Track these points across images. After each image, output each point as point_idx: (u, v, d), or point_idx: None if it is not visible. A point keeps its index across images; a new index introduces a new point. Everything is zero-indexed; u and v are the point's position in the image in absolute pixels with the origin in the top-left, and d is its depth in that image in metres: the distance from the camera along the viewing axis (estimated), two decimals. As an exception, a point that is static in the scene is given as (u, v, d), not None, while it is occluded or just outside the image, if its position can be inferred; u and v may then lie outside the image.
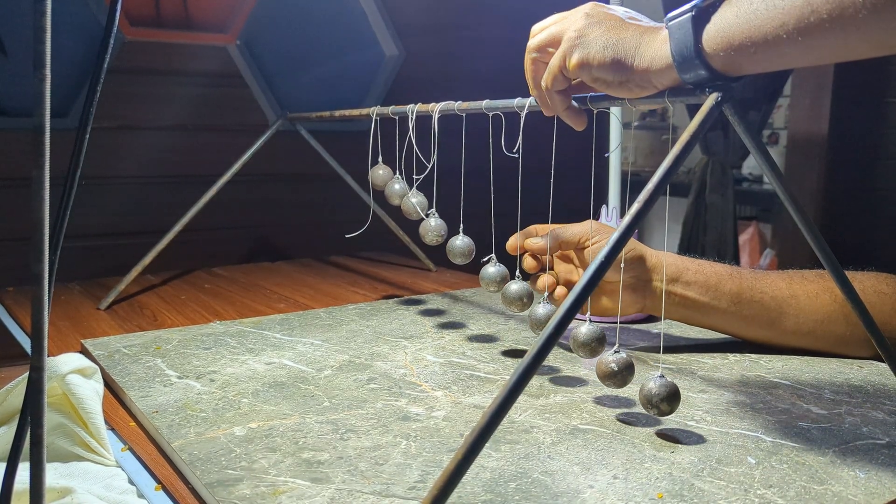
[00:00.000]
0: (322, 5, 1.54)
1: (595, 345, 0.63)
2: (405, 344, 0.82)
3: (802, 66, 0.50)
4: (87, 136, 0.41)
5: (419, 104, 0.80)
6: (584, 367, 0.75)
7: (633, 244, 0.77)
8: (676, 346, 0.82)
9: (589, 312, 0.66)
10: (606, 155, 1.02)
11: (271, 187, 1.54)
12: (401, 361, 0.76)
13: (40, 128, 0.33)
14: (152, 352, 0.79)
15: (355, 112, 0.93)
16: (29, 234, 0.34)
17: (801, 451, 0.56)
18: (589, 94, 0.62)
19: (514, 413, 0.62)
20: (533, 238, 0.76)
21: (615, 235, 0.45)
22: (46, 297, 0.34)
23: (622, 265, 0.74)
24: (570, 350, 0.67)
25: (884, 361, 0.59)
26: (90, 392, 0.60)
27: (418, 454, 0.55)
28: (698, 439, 0.58)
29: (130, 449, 0.61)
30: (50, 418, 0.59)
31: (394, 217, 1.21)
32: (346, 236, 0.90)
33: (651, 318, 0.94)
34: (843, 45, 0.44)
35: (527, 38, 0.64)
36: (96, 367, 0.63)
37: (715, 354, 0.79)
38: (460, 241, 0.77)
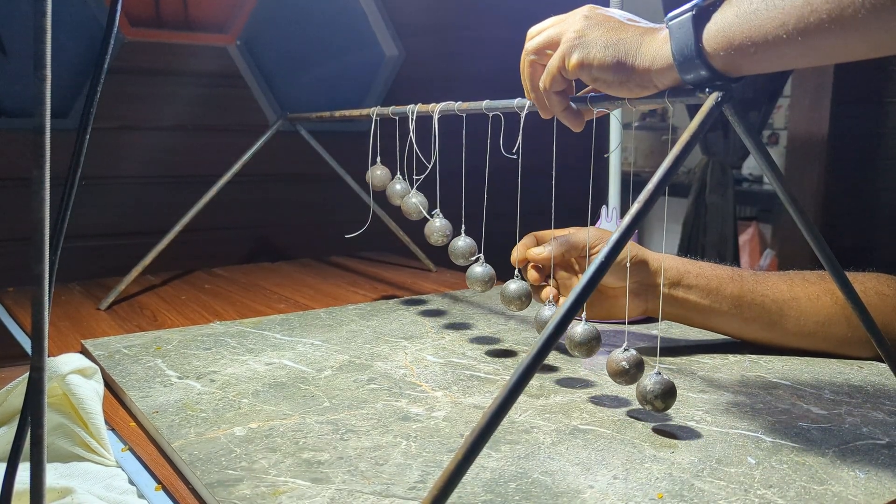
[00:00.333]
0: (322, 5, 1.54)
1: (593, 344, 0.63)
2: (405, 344, 0.82)
3: (803, 67, 0.50)
4: (87, 136, 0.41)
5: (419, 104, 0.80)
6: (584, 368, 0.75)
7: (636, 249, 0.77)
8: (676, 347, 0.82)
9: (584, 313, 0.66)
10: (606, 155, 1.02)
11: (271, 187, 1.54)
12: (401, 362, 0.76)
13: (40, 128, 0.33)
14: (152, 352, 0.79)
15: (355, 112, 0.93)
16: (29, 234, 0.34)
17: (801, 451, 0.56)
18: (589, 95, 0.62)
19: (514, 413, 0.62)
20: (536, 249, 0.76)
21: (615, 235, 0.45)
22: (46, 298, 0.34)
23: (628, 268, 0.74)
24: (566, 352, 0.67)
25: (884, 362, 0.59)
26: (90, 392, 0.60)
27: (418, 454, 0.55)
28: (698, 439, 0.58)
29: (131, 449, 0.61)
30: (50, 418, 0.59)
31: (394, 217, 1.21)
32: (346, 237, 0.90)
33: (651, 319, 0.94)
34: (843, 45, 0.44)
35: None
36: (96, 367, 0.63)
37: (715, 354, 0.79)
38: (462, 242, 0.77)
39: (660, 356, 0.78)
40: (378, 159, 0.85)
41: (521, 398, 0.64)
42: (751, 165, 2.98)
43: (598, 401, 0.66)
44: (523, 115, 0.67)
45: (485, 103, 0.70)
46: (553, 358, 0.78)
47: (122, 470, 0.58)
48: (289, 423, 0.60)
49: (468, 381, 0.71)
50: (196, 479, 0.52)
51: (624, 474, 0.52)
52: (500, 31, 1.76)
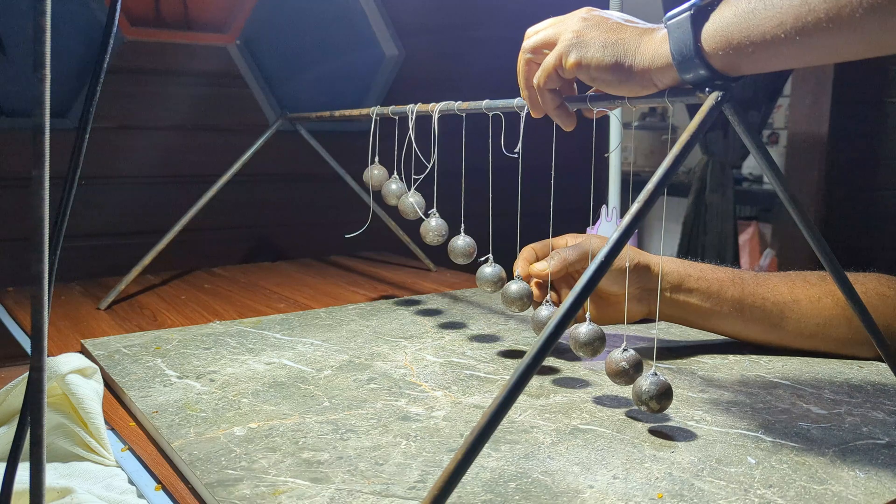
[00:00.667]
0: (322, 5, 1.54)
1: (597, 344, 0.63)
2: (405, 344, 0.82)
3: (801, 67, 0.50)
4: (87, 135, 0.41)
5: (419, 104, 0.80)
6: (584, 367, 0.75)
7: (637, 255, 0.77)
8: (676, 347, 0.82)
9: (588, 313, 0.66)
10: (606, 155, 1.02)
11: (271, 187, 1.54)
12: (401, 361, 0.76)
13: (40, 128, 0.33)
14: (152, 352, 0.79)
15: (355, 112, 0.93)
16: (29, 234, 0.34)
17: (801, 451, 0.56)
18: (588, 94, 0.62)
19: (514, 413, 0.62)
20: (539, 265, 0.76)
21: (614, 235, 0.45)
22: (46, 297, 0.34)
23: (627, 270, 0.74)
24: (568, 351, 0.67)
25: (885, 362, 0.59)
26: (90, 392, 0.60)
27: (418, 454, 0.55)
28: (698, 439, 0.58)
29: (130, 449, 0.61)
30: (50, 418, 0.59)
31: (394, 217, 1.21)
32: (346, 236, 0.90)
33: (650, 319, 0.94)
34: (841, 44, 0.44)
35: (527, 39, 0.64)
36: (96, 367, 0.63)
37: (715, 354, 0.79)
38: (461, 241, 0.77)
39: (659, 357, 0.78)
40: (376, 159, 0.85)
41: (521, 398, 0.64)
42: (751, 165, 2.98)
43: (598, 401, 0.66)
44: (523, 114, 0.67)
45: (485, 103, 0.70)
46: (553, 358, 0.78)
47: (122, 470, 0.58)
48: (289, 423, 0.60)
49: (468, 380, 0.71)
50: (196, 478, 0.52)
51: (624, 474, 0.52)
52: (500, 31, 1.76)
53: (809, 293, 0.76)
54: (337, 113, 0.99)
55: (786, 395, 0.67)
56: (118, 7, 0.41)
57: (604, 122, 0.85)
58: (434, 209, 0.80)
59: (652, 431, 0.59)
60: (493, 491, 0.49)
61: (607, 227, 0.94)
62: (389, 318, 0.93)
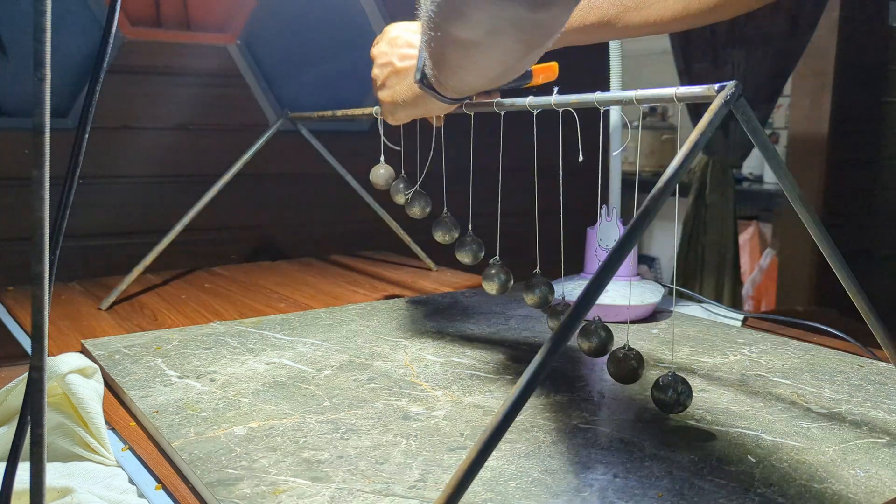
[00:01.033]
0: (322, 5, 1.54)
1: (606, 340, 0.63)
2: (405, 344, 0.82)
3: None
4: (87, 135, 0.41)
5: None
6: (584, 367, 0.75)
7: None
8: (676, 346, 0.82)
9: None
10: (615, 154, 1.02)
11: (271, 187, 1.54)
12: (401, 361, 0.76)
13: (40, 128, 0.33)
14: (152, 352, 0.79)
15: (357, 111, 0.93)
16: (29, 234, 0.34)
17: (801, 450, 0.56)
18: (596, 93, 0.62)
19: (515, 412, 0.62)
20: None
21: (624, 233, 0.45)
22: (46, 297, 0.34)
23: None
24: (568, 351, 0.67)
25: (880, 359, 0.59)
26: (90, 392, 0.60)
27: (418, 453, 0.55)
28: (698, 438, 0.58)
29: (131, 449, 0.61)
30: (50, 418, 0.59)
31: (395, 217, 1.21)
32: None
33: (652, 318, 0.94)
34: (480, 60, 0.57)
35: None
36: (96, 366, 0.63)
37: (715, 354, 0.79)
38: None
39: (659, 357, 0.78)
40: (381, 158, 0.85)
41: (522, 397, 0.64)
42: (751, 165, 2.97)
43: (598, 400, 0.66)
44: (535, 113, 0.66)
45: (495, 101, 0.69)
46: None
47: (122, 469, 0.58)
48: (289, 423, 0.60)
49: (468, 380, 0.71)
50: (196, 478, 0.52)
51: (624, 473, 0.52)
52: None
53: None
54: (339, 113, 0.99)
55: (786, 394, 0.67)
56: (118, 7, 0.41)
57: (604, 121, 0.85)
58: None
59: (652, 431, 0.59)
60: (494, 490, 0.49)
61: (607, 226, 0.94)
62: (389, 318, 0.93)
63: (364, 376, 0.71)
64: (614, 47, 0.96)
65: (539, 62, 0.81)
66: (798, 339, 0.86)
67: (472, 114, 0.74)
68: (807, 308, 2.26)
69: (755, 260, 2.95)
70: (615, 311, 0.90)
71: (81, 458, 0.58)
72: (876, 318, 0.60)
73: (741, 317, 0.95)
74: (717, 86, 0.50)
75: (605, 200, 0.96)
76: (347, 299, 1.07)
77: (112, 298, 1.02)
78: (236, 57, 1.45)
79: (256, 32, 1.47)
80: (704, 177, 2.30)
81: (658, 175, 0.48)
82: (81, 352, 0.80)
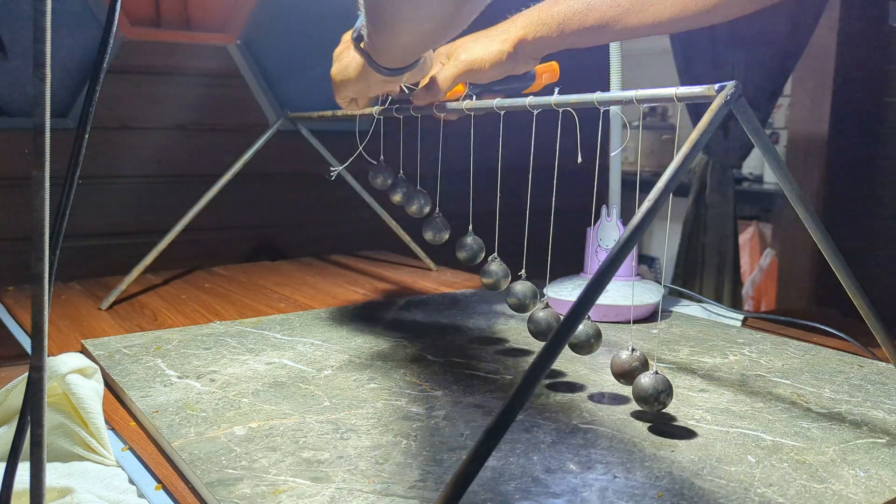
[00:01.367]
0: (322, 5, 1.54)
1: (593, 342, 0.63)
2: (405, 343, 0.82)
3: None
4: (87, 135, 0.41)
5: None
6: (584, 367, 0.75)
7: (505, 35, 0.78)
8: (676, 347, 0.82)
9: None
10: (615, 154, 1.02)
11: (271, 187, 1.54)
12: (401, 361, 0.76)
13: (40, 128, 0.33)
14: (152, 352, 0.79)
15: (357, 111, 0.93)
16: (29, 233, 0.34)
17: (801, 449, 0.56)
18: (596, 93, 0.62)
19: (515, 412, 0.62)
20: (418, 94, 0.78)
21: (625, 233, 0.45)
22: (46, 297, 0.34)
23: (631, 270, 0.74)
24: (568, 350, 0.67)
25: (880, 359, 0.59)
26: (90, 392, 0.60)
27: (418, 453, 0.55)
28: (698, 438, 0.58)
29: (131, 449, 0.61)
30: (50, 418, 0.59)
31: (395, 217, 1.21)
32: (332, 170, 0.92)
33: (651, 318, 0.94)
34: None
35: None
36: (96, 366, 0.63)
37: (715, 354, 0.79)
38: (471, 239, 0.77)
39: (659, 357, 0.78)
40: (381, 158, 0.85)
41: (522, 397, 0.64)
42: (751, 165, 2.97)
43: (598, 400, 0.66)
44: (535, 114, 0.66)
45: (496, 101, 0.69)
46: (553, 357, 0.78)
47: (122, 469, 0.58)
48: (289, 423, 0.60)
49: (468, 380, 0.71)
50: (196, 478, 0.52)
51: (624, 473, 0.52)
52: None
53: None
54: (339, 112, 0.99)
55: (786, 394, 0.67)
56: (118, 7, 0.41)
57: (605, 121, 0.85)
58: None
59: (652, 431, 0.59)
60: (493, 490, 0.49)
61: (608, 226, 0.94)
62: (389, 318, 0.93)
63: (364, 376, 0.71)
64: (614, 47, 0.96)
65: (541, 62, 0.82)
66: (798, 339, 0.86)
67: (473, 114, 0.74)
68: (807, 308, 2.26)
69: (755, 260, 2.95)
70: (615, 311, 0.90)
71: (81, 458, 0.58)
72: (876, 318, 0.60)
73: (741, 317, 0.95)
74: (717, 86, 0.50)
75: (605, 200, 0.96)
76: (347, 299, 1.07)
77: (112, 298, 1.02)
78: (236, 57, 1.45)
79: (256, 32, 1.47)
80: (704, 177, 2.30)
81: (658, 175, 0.48)
82: (81, 352, 0.80)
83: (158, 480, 0.55)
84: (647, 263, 3.38)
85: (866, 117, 2.25)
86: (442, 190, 0.80)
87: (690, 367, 0.75)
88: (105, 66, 0.41)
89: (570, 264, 0.99)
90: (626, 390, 0.67)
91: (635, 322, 0.93)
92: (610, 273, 0.45)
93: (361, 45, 0.69)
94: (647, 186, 0.47)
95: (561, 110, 0.64)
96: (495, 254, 0.75)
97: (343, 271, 1.30)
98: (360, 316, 0.94)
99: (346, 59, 0.74)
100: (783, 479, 0.51)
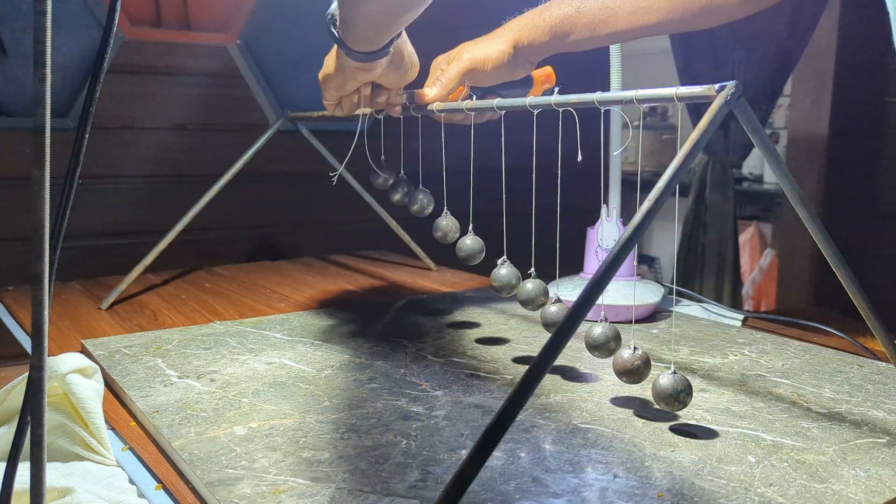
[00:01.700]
0: (322, 5, 1.54)
1: (612, 345, 0.63)
2: (405, 343, 0.82)
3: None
4: (87, 135, 0.41)
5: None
6: (585, 366, 0.75)
7: (502, 41, 0.79)
8: (676, 346, 0.82)
9: (603, 312, 0.66)
10: (615, 154, 1.02)
11: (272, 187, 1.54)
12: (401, 361, 0.76)
13: (40, 128, 0.33)
14: (152, 352, 0.79)
15: (356, 111, 0.93)
16: (29, 233, 0.34)
17: (801, 449, 0.56)
18: (596, 93, 0.62)
19: (515, 412, 0.62)
20: (426, 91, 0.80)
21: (626, 233, 0.45)
22: (46, 297, 0.34)
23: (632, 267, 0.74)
24: (568, 351, 0.67)
25: (880, 359, 0.59)
26: (90, 392, 0.60)
27: (419, 453, 0.55)
28: (698, 438, 0.58)
29: (131, 449, 0.61)
30: (50, 418, 0.59)
31: (395, 216, 1.21)
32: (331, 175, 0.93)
33: (652, 318, 0.94)
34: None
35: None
36: (96, 366, 0.63)
37: (715, 354, 0.79)
38: (470, 241, 0.76)
39: (659, 357, 0.78)
40: (382, 158, 0.85)
41: (522, 397, 0.64)
42: (751, 165, 2.97)
43: (598, 400, 0.66)
44: (535, 113, 0.66)
45: (496, 101, 0.69)
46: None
47: (122, 469, 0.58)
48: (289, 423, 0.60)
49: (468, 380, 0.71)
50: (196, 478, 0.52)
51: (624, 473, 0.52)
52: (500, 31, 1.76)
53: None
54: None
55: (786, 394, 0.67)
56: (118, 7, 0.41)
57: (605, 121, 0.85)
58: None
59: (652, 431, 0.59)
60: (493, 490, 0.49)
61: (608, 226, 0.94)
62: (389, 318, 0.93)
63: (364, 376, 0.71)
64: (614, 47, 0.96)
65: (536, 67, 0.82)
66: (798, 339, 0.86)
67: (473, 114, 0.74)
68: (807, 308, 2.26)
69: (755, 260, 2.95)
70: (615, 310, 0.90)
71: (81, 458, 0.58)
72: (876, 318, 0.61)
73: (741, 317, 0.95)
74: (717, 86, 0.50)
75: (605, 200, 0.96)
76: (348, 299, 1.07)
77: (112, 298, 1.02)
78: (236, 57, 1.45)
79: (256, 32, 1.47)
80: (704, 177, 2.30)
81: (658, 175, 0.48)
82: (81, 352, 0.80)
83: (158, 480, 0.55)
84: (648, 263, 3.39)
85: (866, 117, 2.25)
86: (442, 190, 0.80)
87: (690, 367, 0.75)
88: (105, 66, 0.41)
89: (571, 264, 0.99)
90: (627, 390, 0.67)
91: (635, 322, 0.93)
92: (610, 273, 0.45)
93: (334, 29, 0.70)
94: (647, 186, 0.47)
95: (561, 110, 0.64)
96: (504, 257, 0.75)
97: (343, 271, 1.30)
98: (360, 316, 0.94)
99: (327, 59, 0.77)
100: (783, 478, 0.51)
